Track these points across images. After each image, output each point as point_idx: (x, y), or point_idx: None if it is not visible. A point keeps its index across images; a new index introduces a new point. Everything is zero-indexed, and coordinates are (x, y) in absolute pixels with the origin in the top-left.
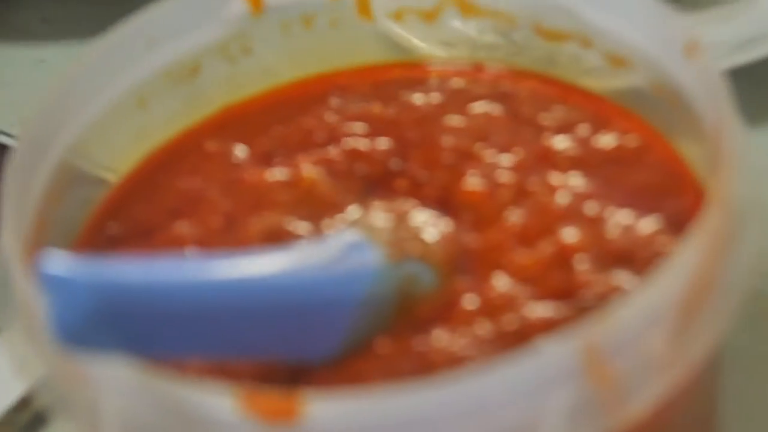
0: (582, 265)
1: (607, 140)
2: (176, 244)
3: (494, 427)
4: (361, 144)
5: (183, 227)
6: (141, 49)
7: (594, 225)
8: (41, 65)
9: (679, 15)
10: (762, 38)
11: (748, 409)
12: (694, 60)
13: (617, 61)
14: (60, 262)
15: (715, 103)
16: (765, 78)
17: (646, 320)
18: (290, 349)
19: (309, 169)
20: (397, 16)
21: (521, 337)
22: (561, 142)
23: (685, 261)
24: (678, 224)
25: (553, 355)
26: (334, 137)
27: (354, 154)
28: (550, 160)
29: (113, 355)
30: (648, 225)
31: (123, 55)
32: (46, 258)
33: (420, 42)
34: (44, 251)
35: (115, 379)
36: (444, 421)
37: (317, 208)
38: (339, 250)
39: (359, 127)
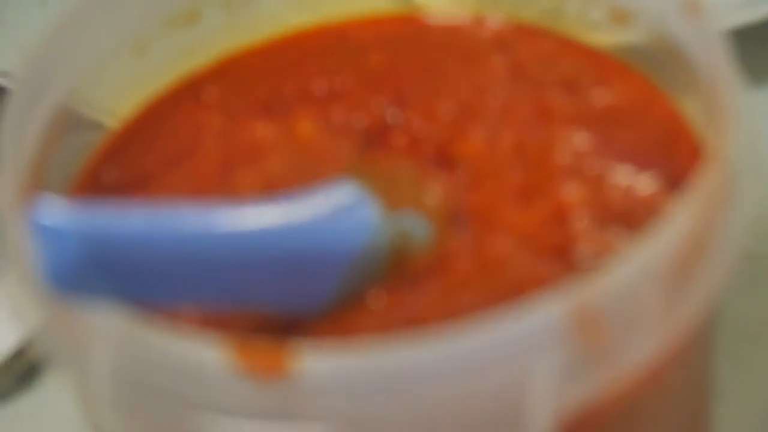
0: (579, 223)
1: (607, 97)
2: (171, 192)
3: (485, 384)
4: (360, 96)
5: (178, 176)
6: None
7: (592, 183)
8: (44, 6)
9: None
10: None
11: (744, 370)
12: (694, 17)
13: (620, 17)
14: (52, 210)
15: (715, 61)
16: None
17: (640, 279)
18: (284, 300)
19: (306, 122)
20: None
21: (515, 294)
22: (562, 98)
23: (680, 220)
24: (676, 182)
25: (544, 312)
26: (332, 89)
27: (352, 107)
28: (549, 116)
29: (104, 304)
30: (646, 183)
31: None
32: (38, 205)
33: None
34: (38, 197)
35: (105, 328)
36: (434, 378)
37: (313, 160)
38: (333, 202)
39: (359, 79)
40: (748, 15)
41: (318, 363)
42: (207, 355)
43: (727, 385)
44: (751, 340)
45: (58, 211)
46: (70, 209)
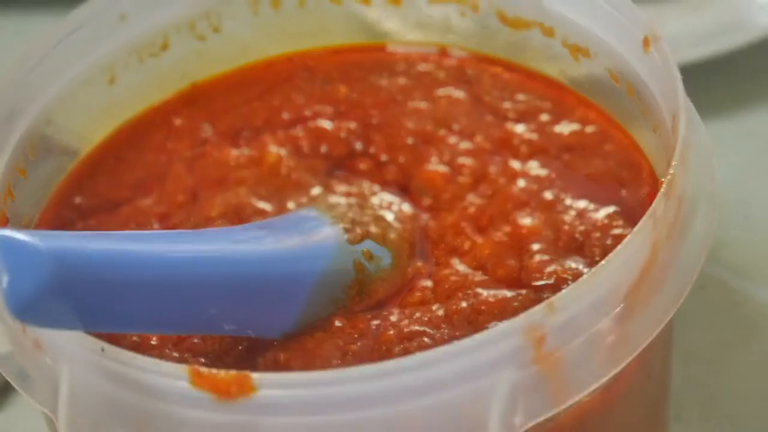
0: (536, 251)
1: (566, 128)
2: (141, 217)
3: (445, 407)
4: (326, 125)
5: (148, 201)
6: (111, 24)
7: (550, 212)
8: (19, 35)
9: (639, 7)
10: (730, 30)
11: (702, 394)
12: (652, 52)
13: (579, 51)
14: (18, 234)
15: (671, 95)
16: (733, 68)
17: (594, 306)
18: (247, 324)
19: (274, 148)
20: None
21: (473, 320)
22: (521, 129)
23: (634, 249)
24: (632, 212)
25: (501, 338)
26: (299, 117)
27: (318, 135)
28: (510, 146)
29: (70, 328)
30: (603, 213)
31: (94, 29)
32: (4, 229)
33: (390, 25)
34: (4, 222)
35: (71, 353)
36: (394, 401)
37: (280, 187)
38: (298, 226)
39: (324, 107)
40: (704, 50)
41: (276, 386)
42: (170, 379)
43: (686, 410)
44: (709, 365)
45: (24, 236)
46: (36, 234)
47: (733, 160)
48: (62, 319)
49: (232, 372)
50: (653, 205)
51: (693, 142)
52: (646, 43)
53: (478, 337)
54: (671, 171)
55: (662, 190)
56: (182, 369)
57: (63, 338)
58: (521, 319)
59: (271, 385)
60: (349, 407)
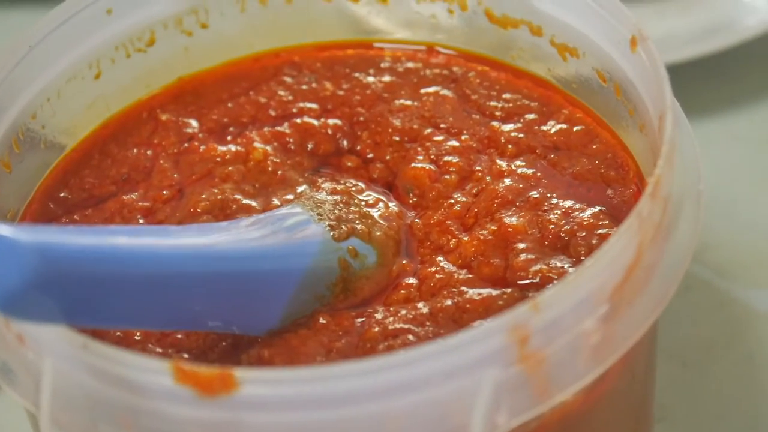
0: (521, 249)
1: (553, 127)
2: (126, 212)
3: (428, 405)
4: (313, 121)
5: (133, 196)
6: (97, 19)
7: (536, 211)
8: (2, 29)
9: (628, 7)
10: (717, 30)
11: (685, 395)
12: (639, 52)
13: (566, 50)
14: (2, 227)
15: (658, 95)
16: (721, 69)
17: (578, 307)
18: (232, 320)
19: (260, 144)
20: None
21: (458, 318)
22: (508, 128)
23: (620, 249)
24: (618, 212)
25: (485, 337)
26: (286, 113)
27: (305, 131)
28: (496, 145)
29: (53, 323)
30: (589, 212)
31: (79, 23)
32: None
33: (378, 22)
34: None
35: (54, 348)
36: (378, 398)
37: (266, 183)
38: (283, 223)
39: (311, 104)
40: (692, 51)
41: (259, 383)
42: (153, 375)
43: (670, 410)
44: (692, 366)
45: (7, 230)
46: (19, 228)
47: (720, 161)
48: (45, 313)
49: (215, 368)
50: (638, 205)
51: (679, 143)
52: (633, 43)
53: (462, 335)
54: (657, 171)
55: (648, 190)
56: (165, 365)
57: (46, 333)
58: (505, 318)
59: (253, 381)
60: (332, 405)
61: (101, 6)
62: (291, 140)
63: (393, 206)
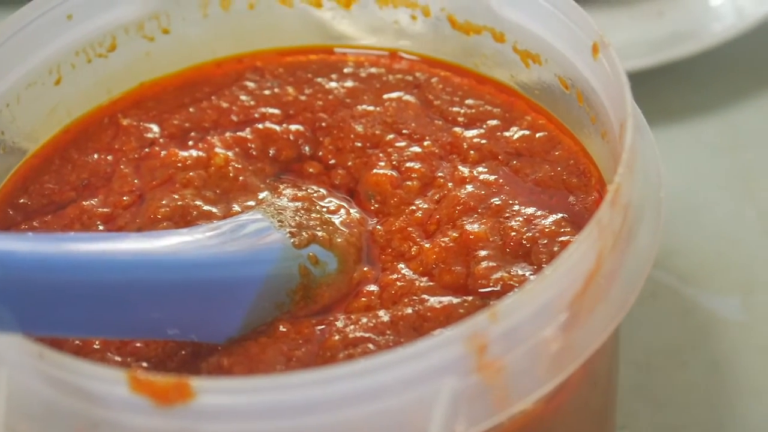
0: (483, 257)
1: (515, 134)
2: (86, 218)
3: (386, 414)
4: (275, 127)
5: (94, 202)
6: (58, 24)
7: (498, 218)
8: None
9: (596, 13)
10: (684, 36)
11: (649, 402)
12: (601, 59)
13: (529, 56)
14: None
15: (619, 102)
16: (688, 75)
17: (537, 315)
18: (191, 328)
19: (221, 150)
20: (316, 2)
21: (418, 326)
22: (471, 134)
23: (579, 257)
24: (580, 219)
25: (442, 346)
26: (248, 119)
27: (267, 137)
28: (459, 151)
29: (8, 331)
30: (551, 219)
31: (39, 28)
32: None
33: (342, 28)
34: None
35: (9, 357)
36: (336, 407)
37: (227, 189)
38: (244, 230)
39: (273, 109)
40: (658, 58)
41: (216, 392)
42: (110, 385)
43: (632, 418)
44: (656, 372)
45: None
46: None
47: (687, 167)
48: (0, 321)
49: (172, 377)
50: (598, 212)
51: (640, 150)
52: (595, 50)
53: (420, 344)
54: (617, 179)
55: (608, 197)
56: (121, 374)
57: (1, 342)
58: (463, 327)
59: (210, 391)
60: (290, 414)
61: (61, 11)
62: (253, 146)
63: (354, 213)
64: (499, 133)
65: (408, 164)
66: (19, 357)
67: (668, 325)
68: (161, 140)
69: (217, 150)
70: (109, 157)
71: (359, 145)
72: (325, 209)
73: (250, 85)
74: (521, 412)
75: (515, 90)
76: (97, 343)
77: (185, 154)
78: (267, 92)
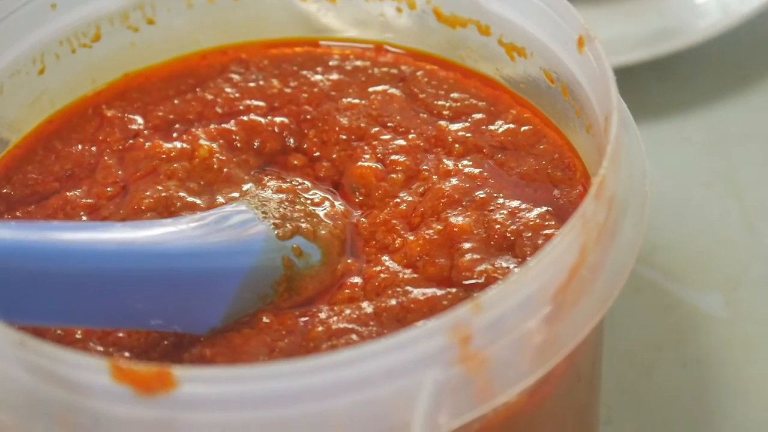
0: (467, 249)
1: (501, 127)
2: (69, 209)
3: (369, 404)
4: (259, 119)
5: (77, 193)
6: (42, 14)
7: (482, 210)
8: None
9: (580, 8)
10: (669, 33)
11: (634, 397)
12: (586, 52)
13: (514, 50)
14: None
15: (605, 97)
16: (672, 71)
17: (521, 307)
18: (174, 319)
19: (206, 142)
20: None
21: (402, 318)
22: (456, 127)
23: (562, 249)
24: (565, 212)
25: (426, 337)
26: (233, 111)
27: (251, 129)
28: (444, 144)
29: None
30: (535, 212)
31: (23, 18)
32: None
33: (327, 20)
34: None
35: None
36: (318, 398)
37: (211, 181)
38: (228, 221)
39: (258, 102)
40: (643, 53)
41: (198, 381)
42: (91, 374)
43: (616, 412)
44: (640, 368)
45: None
46: None
47: (669, 163)
48: None
49: (154, 366)
50: (582, 205)
51: (625, 144)
52: (580, 43)
53: (403, 335)
54: (602, 171)
55: (592, 190)
56: (103, 363)
57: None
58: (446, 318)
59: (192, 380)
60: (272, 404)
61: (46, 0)
62: (237, 138)
63: (339, 205)
64: (484, 127)
65: (393, 157)
66: (1, 345)
67: (652, 320)
68: (145, 132)
69: (202, 142)
70: (93, 148)
71: (344, 137)
72: (309, 201)
73: (235, 77)
74: (504, 405)
75: (500, 83)
76: (79, 332)
77: (169, 145)
78: (252, 84)
